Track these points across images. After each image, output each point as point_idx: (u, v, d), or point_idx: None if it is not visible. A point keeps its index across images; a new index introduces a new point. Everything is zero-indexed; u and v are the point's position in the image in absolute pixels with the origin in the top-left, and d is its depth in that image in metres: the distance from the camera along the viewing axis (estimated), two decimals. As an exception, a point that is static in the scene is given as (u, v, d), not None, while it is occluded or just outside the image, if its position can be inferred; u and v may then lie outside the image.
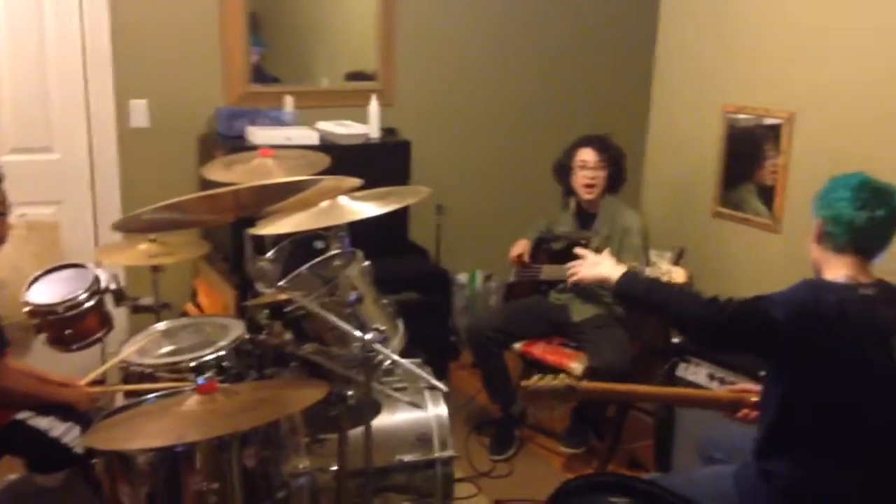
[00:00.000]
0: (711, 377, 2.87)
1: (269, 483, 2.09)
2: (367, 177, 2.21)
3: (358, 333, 1.86)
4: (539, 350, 3.34)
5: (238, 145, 3.23)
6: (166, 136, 3.52)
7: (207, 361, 2.24)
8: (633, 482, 2.05)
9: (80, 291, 2.44)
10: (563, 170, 3.47)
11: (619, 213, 3.39)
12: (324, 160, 2.51)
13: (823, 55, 3.34)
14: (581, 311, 3.34)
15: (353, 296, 1.93)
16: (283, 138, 3.28)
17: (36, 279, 2.51)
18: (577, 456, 3.32)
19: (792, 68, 3.49)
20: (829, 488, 1.93)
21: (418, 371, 1.95)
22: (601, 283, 2.30)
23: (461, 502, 2.88)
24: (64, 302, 2.41)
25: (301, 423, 2.13)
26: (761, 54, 3.64)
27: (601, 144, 3.40)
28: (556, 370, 3.27)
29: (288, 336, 2.04)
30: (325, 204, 2.00)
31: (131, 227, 2.31)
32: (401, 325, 2.20)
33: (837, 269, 1.97)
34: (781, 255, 3.66)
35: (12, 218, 2.34)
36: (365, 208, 1.96)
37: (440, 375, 2.32)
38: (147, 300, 2.70)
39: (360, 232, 2.09)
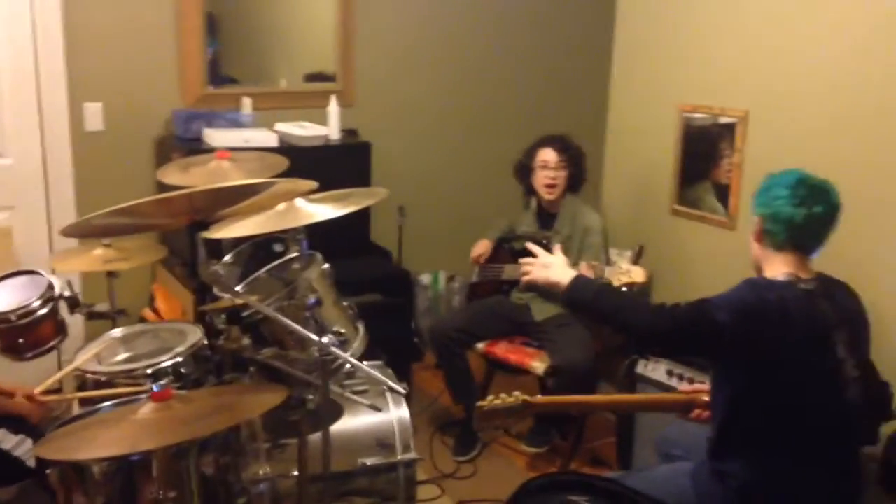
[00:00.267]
0: (670, 373, 2.91)
1: (228, 490, 2.07)
2: (327, 178, 2.20)
3: (315, 337, 1.86)
4: (501, 350, 3.35)
5: (195, 148, 3.19)
6: (122, 139, 3.45)
7: (164, 368, 2.22)
8: (594, 480, 2.07)
9: (34, 299, 2.39)
10: (524, 170, 3.49)
11: (580, 213, 3.41)
12: (282, 162, 2.48)
13: (777, 55, 3.40)
14: (543, 311, 3.36)
15: (311, 299, 1.91)
16: (241, 140, 3.25)
17: (-12, 286, 2.45)
18: (540, 455, 3.34)
19: (746, 68, 3.54)
20: (782, 488, 1.95)
21: (376, 374, 1.95)
22: (551, 288, 2.16)
23: (425, 504, 2.88)
24: (17, 310, 2.35)
25: (261, 429, 2.12)
26: (716, 54, 3.69)
27: (562, 144, 3.42)
28: (518, 370, 3.31)
29: (246, 341, 2.02)
30: (281, 207, 1.98)
31: (83, 233, 2.25)
32: (362, 327, 2.19)
33: (778, 267, 1.99)
34: (737, 252, 3.68)
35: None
36: (322, 210, 1.95)
37: (403, 377, 2.30)
38: (102, 306, 2.66)
39: (322, 234, 2.07)
